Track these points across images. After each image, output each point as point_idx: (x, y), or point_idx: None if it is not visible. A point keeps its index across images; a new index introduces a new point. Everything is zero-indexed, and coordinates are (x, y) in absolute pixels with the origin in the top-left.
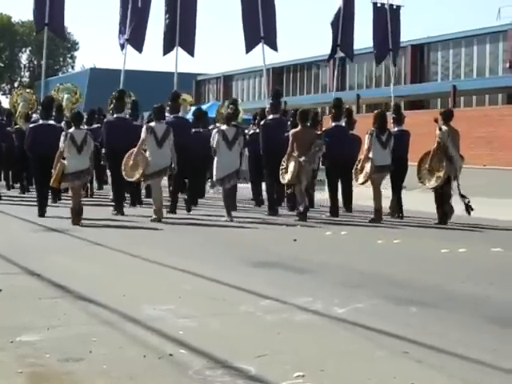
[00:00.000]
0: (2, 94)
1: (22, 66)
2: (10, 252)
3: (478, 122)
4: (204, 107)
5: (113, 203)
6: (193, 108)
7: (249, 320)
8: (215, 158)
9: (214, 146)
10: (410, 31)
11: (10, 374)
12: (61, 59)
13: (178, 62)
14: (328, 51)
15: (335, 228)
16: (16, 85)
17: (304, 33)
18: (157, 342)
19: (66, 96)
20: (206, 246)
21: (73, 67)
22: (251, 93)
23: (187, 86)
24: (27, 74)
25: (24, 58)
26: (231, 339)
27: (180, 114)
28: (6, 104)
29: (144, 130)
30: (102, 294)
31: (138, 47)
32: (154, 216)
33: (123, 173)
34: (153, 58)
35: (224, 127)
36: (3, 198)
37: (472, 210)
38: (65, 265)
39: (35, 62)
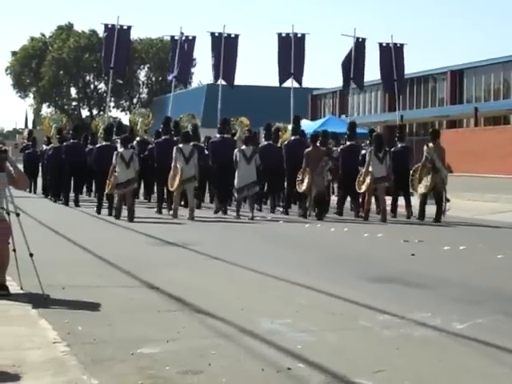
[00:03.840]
0: (121, 111)
1: (141, 82)
2: (129, 265)
3: None
4: (320, 121)
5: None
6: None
7: (367, 335)
8: (236, 171)
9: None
10: None
11: None
12: None
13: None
14: (448, 63)
15: (453, 242)
16: (135, 101)
17: (420, 46)
18: (275, 356)
19: (140, 119)
20: (319, 260)
21: (190, 83)
22: (367, 107)
23: (303, 101)
24: (145, 90)
25: (142, 74)
26: (349, 354)
27: (237, 134)
28: (126, 120)
29: (174, 150)
30: (219, 308)
31: (185, 82)
32: (188, 215)
33: (169, 183)
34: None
35: (244, 147)
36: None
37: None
38: (183, 278)
39: (153, 79)
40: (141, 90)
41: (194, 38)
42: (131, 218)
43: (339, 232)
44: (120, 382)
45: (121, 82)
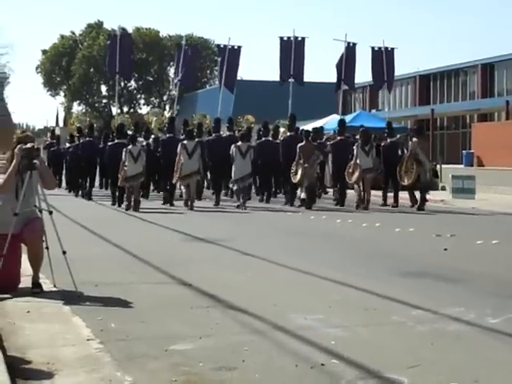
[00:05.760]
0: (152, 108)
1: (170, 79)
2: (161, 262)
3: None
4: (351, 116)
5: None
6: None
7: (400, 330)
8: (233, 165)
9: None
10: None
11: (164, 382)
12: (208, 72)
13: (323, 71)
14: (478, 57)
15: (486, 237)
16: (165, 98)
17: (451, 39)
18: (308, 352)
19: (154, 118)
20: (349, 255)
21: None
22: (398, 101)
23: (332, 96)
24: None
25: (172, 71)
26: (383, 349)
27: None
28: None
29: (179, 146)
30: (252, 304)
31: (189, 86)
32: (189, 204)
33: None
34: None
35: (239, 143)
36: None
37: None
38: (215, 274)
39: None
40: (170, 87)
41: (195, 45)
42: (136, 208)
43: (370, 226)
44: (153, 378)
45: (151, 79)
